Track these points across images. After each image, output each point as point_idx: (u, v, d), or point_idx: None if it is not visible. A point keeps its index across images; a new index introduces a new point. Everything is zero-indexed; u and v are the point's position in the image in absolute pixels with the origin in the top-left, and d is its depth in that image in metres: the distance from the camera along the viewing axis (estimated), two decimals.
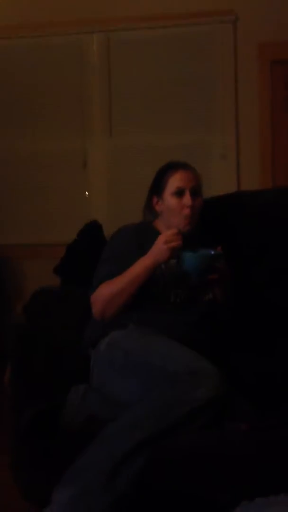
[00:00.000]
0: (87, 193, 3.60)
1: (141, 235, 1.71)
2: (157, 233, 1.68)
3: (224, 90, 3.47)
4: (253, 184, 3.38)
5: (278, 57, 3.42)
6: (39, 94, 3.59)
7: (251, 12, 3.40)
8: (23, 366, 1.65)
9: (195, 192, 1.70)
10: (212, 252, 1.57)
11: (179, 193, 1.68)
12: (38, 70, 3.59)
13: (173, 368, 1.41)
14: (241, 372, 1.57)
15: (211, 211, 1.81)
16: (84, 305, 1.69)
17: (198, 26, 3.44)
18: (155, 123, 3.52)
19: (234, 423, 1.37)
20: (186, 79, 3.49)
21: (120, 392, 1.52)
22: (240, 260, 1.77)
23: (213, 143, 3.49)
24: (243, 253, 1.81)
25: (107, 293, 1.61)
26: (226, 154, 3.48)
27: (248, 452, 1.31)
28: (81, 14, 3.50)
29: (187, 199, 1.67)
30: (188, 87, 3.50)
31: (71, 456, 1.35)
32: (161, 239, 1.57)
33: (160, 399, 1.37)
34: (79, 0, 3.49)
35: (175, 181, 1.69)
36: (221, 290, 1.69)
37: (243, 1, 3.38)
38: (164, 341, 1.54)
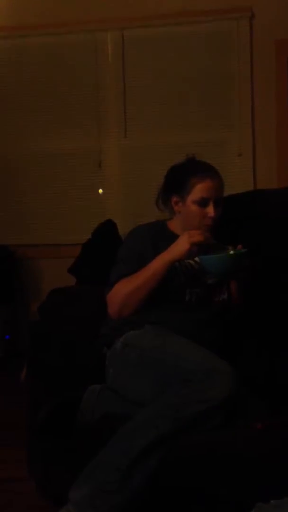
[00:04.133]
0: (100, 190, 3.61)
1: (155, 235, 1.70)
2: (171, 233, 1.67)
3: (240, 87, 3.45)
4: (270, 182, 3.35)
5: None
6: (54, 93, 3.60)
7: (267, 9, 3.38)
8: (39, 364, 1.67)
9: (218, 202, 1.67)
10: (236, 252, 1.56)
11: (203, 203, 1.66)
12: (53, 69, 3.60)
13: (188, 368, 1.41)
14: (251, 371, 1.56)
15: (226, 210, 1.79)
16: (98, 305, 1.70)
17: (214, 24, 3.43)
18: (170, 122, 3.52)
19: (247, 422, 1.37)
20: (201, 77, 3.48)
21: (135, 391, 1.52)
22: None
23: (229, 141, 3.48)
24: (257, 254, 1.79)
25: (125, 291, 1.61)
26: (242, 151, 3.46)
27: (262, 451, 1.31)
28: (96, 12, 3.50)
29: (210, 210, 1.64)
30: (203, 84, 3.48)
31: (87, 453, 1.36)
32: (185, 234, 1.57)
33: (176, 398, 1.37)
34: None
35: (201, 190, 1.65)
36: (240, 289, 1.68)
37: None
38: (179, 341, 1.53)
